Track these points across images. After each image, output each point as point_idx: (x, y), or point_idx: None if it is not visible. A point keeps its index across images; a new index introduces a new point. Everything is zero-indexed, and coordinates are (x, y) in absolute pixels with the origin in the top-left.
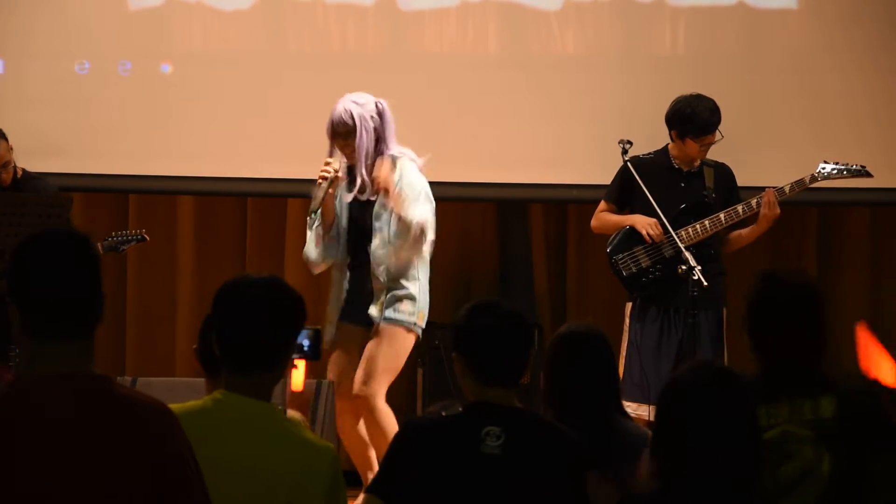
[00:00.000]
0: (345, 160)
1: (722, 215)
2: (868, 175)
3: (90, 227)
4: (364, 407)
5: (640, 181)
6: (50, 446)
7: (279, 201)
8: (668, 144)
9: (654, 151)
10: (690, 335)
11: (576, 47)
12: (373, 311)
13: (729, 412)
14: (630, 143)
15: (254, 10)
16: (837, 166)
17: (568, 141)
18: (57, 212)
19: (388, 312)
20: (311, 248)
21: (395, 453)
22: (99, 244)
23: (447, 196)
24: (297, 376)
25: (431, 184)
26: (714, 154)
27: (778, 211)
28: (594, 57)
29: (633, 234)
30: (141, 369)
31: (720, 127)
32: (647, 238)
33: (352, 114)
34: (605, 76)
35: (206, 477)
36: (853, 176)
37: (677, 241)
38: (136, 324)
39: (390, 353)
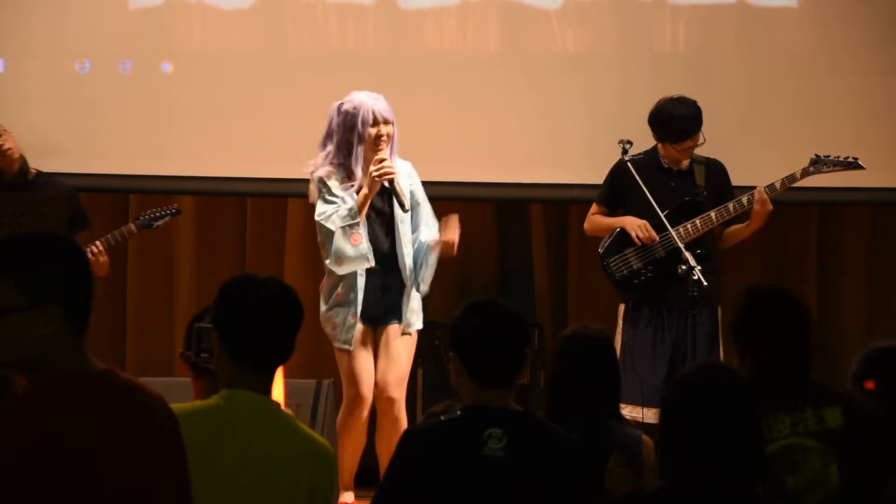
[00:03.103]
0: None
1: (713, 214)
2: (860, 167)
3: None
4: (391, 411)
5: (639, 181)
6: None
7: (279, 201)
8: (656, 144)
9: (645, 151)
10: (690, 335)
11: (576, 46)
12: (415, 319)
13: (732, 412)
14: (630, 142)
15: (254, 9)
16: (828, 160)
17: (568, 140)
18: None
19: (414, 318)
20: (363, 248)
21: (398, 464)
22: (132, 223)
23: (447, 196)
24: (278, 386)
25: (432, 184)
26: (714, 154)
27: (770, 207)
28: (594, 55)
29: (624, 236)
30: (141, 369)
31: (704, 129)
32: (637, 241)
33: (389, 107)
34: (606, 75)
35: (227, 474)
36: (845, 168)
37: (677, 241)
38: (136, 324)
39: (411, 357)
